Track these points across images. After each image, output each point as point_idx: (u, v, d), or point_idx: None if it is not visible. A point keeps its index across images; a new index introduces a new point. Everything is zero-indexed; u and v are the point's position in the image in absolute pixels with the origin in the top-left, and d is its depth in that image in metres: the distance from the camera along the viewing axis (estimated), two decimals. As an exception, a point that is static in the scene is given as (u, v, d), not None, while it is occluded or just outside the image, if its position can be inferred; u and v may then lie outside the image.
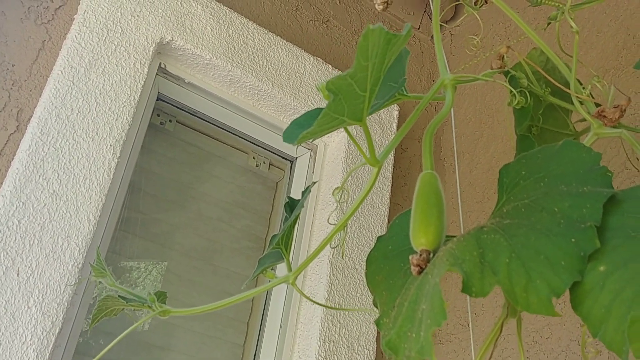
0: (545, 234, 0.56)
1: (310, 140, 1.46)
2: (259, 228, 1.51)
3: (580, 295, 0.52)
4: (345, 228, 0.70)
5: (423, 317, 0.56)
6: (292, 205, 0.83)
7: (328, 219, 1.26)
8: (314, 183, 0.79)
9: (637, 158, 0.93)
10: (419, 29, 1.84)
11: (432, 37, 1.90)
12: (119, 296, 0.79)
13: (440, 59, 0.77)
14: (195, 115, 1.46)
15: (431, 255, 0.63)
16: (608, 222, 0.55)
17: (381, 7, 0.82)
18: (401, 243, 0.73)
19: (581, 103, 0.75)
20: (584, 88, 0.75)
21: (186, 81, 1.39)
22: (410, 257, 0.63)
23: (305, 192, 0.80)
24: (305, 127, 0.64)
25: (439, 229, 0.64)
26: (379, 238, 0.76)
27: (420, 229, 0.64)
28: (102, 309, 0.82)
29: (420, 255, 0.63)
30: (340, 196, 0.75)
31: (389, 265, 0.73)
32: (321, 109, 0.68)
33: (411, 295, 0.61)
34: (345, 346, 1.26)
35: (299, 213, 0.78)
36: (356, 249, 1.35)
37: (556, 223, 0.57)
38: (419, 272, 0.63)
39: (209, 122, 1.48)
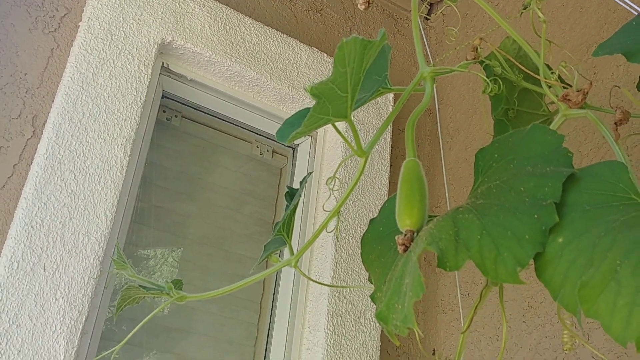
0: (512, 212, 0.63)
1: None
2: (267, 213, 1.59)
3: (543, 264, 0.59)
4: (339, 214, 0.77)
5: (407, 290, 0.63)
6: (291, 194, 0.91)
7: (323, 206, 1.33)
8: (310, 174, 0.86)
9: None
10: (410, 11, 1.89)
11: (428, 15, 1.94)
12: (140, 286, 0.87)
13: (419, 52, 0.83)
14: (199, 110, 1.53)
15: (415, 234, 0.71)
16: (567, 199, 0.62)
17: (363, 6, 0.88)
18: (391, 224, 0.80)
19: (550, 87, 0.81)
20: (552, 73, 0.81)
21: (189, 78, 1.46)
22: (396, 238, 0.71)
23: (303, 182, 0.87)
24: (296, 126, 0.72)
25: (421, 211, 0.71)
26: (371, 221, 0.84)
27: (405, 212, 0.71)
28: (125, 298, 0.91)
29: (405, 235, 0.70)
30: (334, 185, 0.82)
31: (380, 245, 0.80)
32: (309, 108, 0.75)
33: (398, 271, 0.69)
34: (352, 320, 1.35)
35: (298, 201, 0.86)
36: (358, 228, 1.43)
37: (522, 201, 0.63)
38: (405, 250, 0.70)
39: (212, 116, 1.55)
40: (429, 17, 1.96)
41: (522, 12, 0.95)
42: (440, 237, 0.64)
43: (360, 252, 0.83)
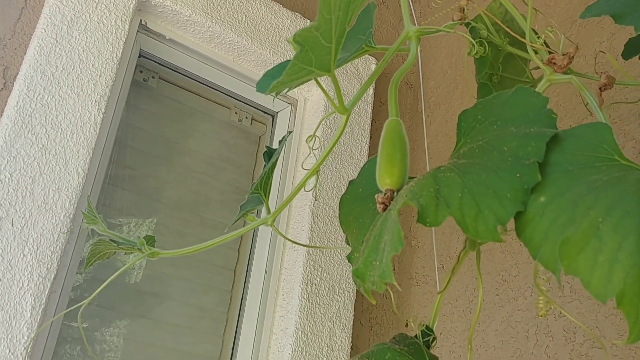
0: (494, 171, 0.62)
1: (286, 91, 1.51)
2: (244, 181, 1.57)
3: (523, 223, 0.59)
4: (318, 172, 0.76)
5: (385, 246, 0.62)
6: (270, 154, 0.89)
7: (302, 165, 1.32)
8: (290, 133, 0.84)
9: (587, 103, 0.98)
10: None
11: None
12: (111, 240, 0.85)
13: (405, 11, 0.81)
14: (177, 72, 1.50)
15: (395, 193, 0.70)
16: (550, 159, 0.61)
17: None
18: (370, 186, 0.79)
19: (536, 52, 0.80)
20: (538, 38, 0.80)
21: (167, 38, 1.42)
22: (376, 196, 0.69)
23: (282, 140, 0.85)
24: (277, 78, 0.69)
25: (402, 170, 0.70)
26: (350, 182, 0.83)
27: (386, 170, 0.70)
28: (95, 253, 0.88)
29: (385, 194, 0.69)
30: (314, 143, 0.81)
31: (359, 206, 0.79)
32: (290, 60, 0.73)
33: (376, 230, 0.68)
34: (327, 288, 1.34)
35: (276, 159, 0.84)
36: (335, 197, 1.41)
37: (504, 161, 0.63)
38: (384, 209, 0.69)
39: (191, 78, 1.52)
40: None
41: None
42: (420, 194, 0.63)
43: (338, 214, 0.82)
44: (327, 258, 1.36)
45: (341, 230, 1.43)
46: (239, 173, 1.57)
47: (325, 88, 0.71)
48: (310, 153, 1.25)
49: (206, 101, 1.57)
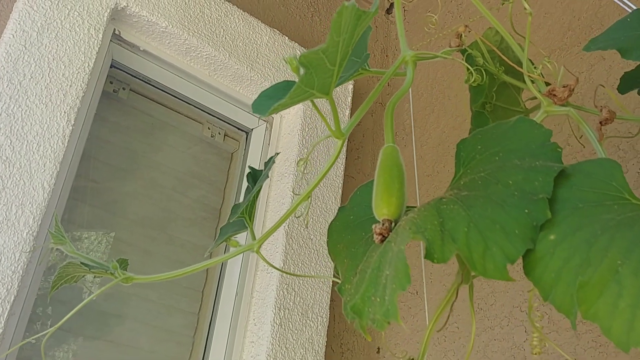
0: (500, 205, 0.60)
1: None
2: (214, 199, 1.52)
3: (532, 262, 0.56)
4: (310, 198, 0.72)
5: (387, 282, 0.59)
6: (254, 176, 0.85)
7: (293, 190, 1.28)
8: (277, 154, 0.81)
9: (581, 135, 0.98)
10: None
11: (385, 11, 1.92)
12: (82, 263, 0.79)
13: (401, 35, 0.79)
14: (149, 84, 1.44)
15: (393, 224, 0.67)
16: (558, 195, 0.59)
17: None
18: (362, 213, 0.76)
19: (532, 82, 0.79)
20: (535, 67, 0.79)
21: (141, 49, 1.37)
22: (373, 226, 0.66)
23: (269, 162, 0.81)
24: (274, 99, 0.66)
25: (400, 200, 0.67)
26: (340, 208, 0.79)
27: (383, 200, 0.67)
28: (63, 276, 0.82)
29: (383, 224, 0.66)
30: (304, 167, 0.77)
31: (350, 235, 0.76)
32: (288, 81, 0.70)
33: (374, 262, 0.64)
34: (300, 313, 1.30)
35: (263, 183, 0.80)
36: (311, 219, 1.38)
37: (510, 195, 0.60)
38: (382, 241, 0.66)
39: (163, 91, 1.46)
40: (389, 13, 1.93)
41: (503, 3, 0.93)
42: (425, 227, 0.60)
43: (327, 242, 0.78)
44: (301, 282, 1.32)
45: (316, 253, 1.39)
46: (209, 190, 1.52)
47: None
48: (300, 177, 1.21)
49: (178, 115, 1.52)
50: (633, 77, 0.79)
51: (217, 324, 1.34)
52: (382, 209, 0.67)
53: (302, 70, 0.58)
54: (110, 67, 1.36)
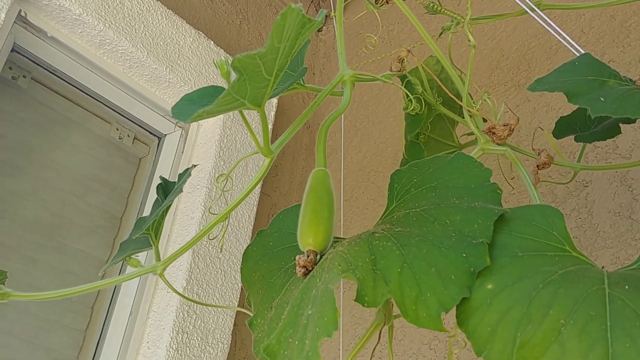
0: (437, 246, 0.55)
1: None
2: (115, 206, 1.40)
3: (467, 311, 0.52)
4: (228, 219, 0.65)
5: (309, 323, 0.52)
6: (165, 189, 0.76)
7: (204, 205, 1.18)
8: (194, 167, 0.73)
9: (512, 177, 0.97)
10: (304, 19, 1.82)
11: (320, 28, 1.88)
12: (-52, 274, 0.67)
13: (342, 53, 0.74)
14: (54, 74, 1.31)
15: (318, 256, 0.60)
16: (496, 240, 0.56)
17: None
18: (284, 240, 0.70)
19: (470, 116, 0.76)
20: (474, 102, 0.76)
21: (49, 35, 1.24)
22: (296, 258, 0.60)
23: (184, 175, 0.73)
24: (199, 104, 0.58)
25: (328, 231, 0.61)
26: (259, 233, 0.72)
27: (310, 229, 0.61)
28: None
29: (308, 256, 0.60)
30: (225, 184, 0.70)
31: (268, 263, 0.69)
32: (216, 86, 0.63)
33: (295, 298, 0.58)
34: (200, 338, 1.20)
35: (174, 198, 0.72)
36: (218, 235, 1.29)
37: (448, 236, 0.56)
38: (305, 274, 0.60)
39: (69, 84, 1.33)
40: (320, 30, 1.90)
41: (441, 33, 0.90)
42: (356, 265, 0.54)
43: (241, 268, 0.71)
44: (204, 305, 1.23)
45: (223, 273, 1.30)
46: (111, 197, 1.40)
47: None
48: (220, 194, 1.12)
49: (84, 111, 1.39)
50: (568, 122, 0.77)
51: (105, 345, 1.22)
52: (307, 239, 0.61)
53: (234, 76, 0.51)
54: (11, 51, 1.22)
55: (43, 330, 1.22)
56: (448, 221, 0.58)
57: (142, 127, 1.43)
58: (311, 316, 0.52)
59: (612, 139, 0.82)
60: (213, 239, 0.81)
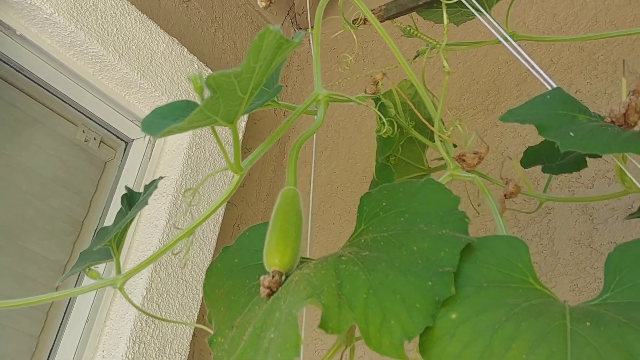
0: (403, 273, 0.55)
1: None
2: (78, 210, 1.37)
3: (430, 340, 0.52)
4: (193, 234, 0.64)
5: (270, 347, 0.52)
6: (130, 200, 0.75)
7: (176, 224, 1.16)
8: (161, 178, 0.71)
9: (479, 204, 0.98)
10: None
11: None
12: None
13: (317, 73, 0.74)
14: (21, 72, 1.28)
15: (283, 277, 0.60)
16: (462, 269, 0.56)
17: (263, 4, 0.77)
18: (249, 258, 0.69)
19: (441, 141, 0.76)
20: (446, 128, 0.77)
21: (17, 33, 1.21)
22: (261, 278, 0.59)
23: (150, 187, 0.71)
24: (170, 119, 0.57)
25: (295, 252, 0.61)
26: (224, 249, 0.71)
27: (277, 249, 0.60)
28: None
29: (273, 276, 0.59)
30: (192, 199, 0.69)
31: (232, 280, 0.68)
32: (189, 101, 0.61)
33: (257, 320, 0.57)
34: (157, 349, 1.18)
35: (139, 210, 0.70)
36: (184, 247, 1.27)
37: (414, 263, 0.56)
38: (269, 295, 0.59)
39: (36, 83, 1.30)
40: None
41: (416, 56, 0.91)
42: (321, 289, 0.53)
43: (204, 284, 0.70)
44: (163, 314, 1.21)
45: (185, 284, 1.28)
46: (74, 200, 1.37)
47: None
48: (187, 209, 1.10)
49: (49, 112, 1.36)
50: (536, 152, 0.79)
51: (59, 352, 1.18)
52: (273, 259, 0.60)
53: (207, 93, 0.50)
54: (-23, 46, 1.19)
55: (-6, 336, 1.18)
56: (415, 248, 0.58)
57: (109, 131, 1.41)
58: (273, 340, 0.52)
59: (576, 170, 0.84)
60: (177, 254, 0.80)
